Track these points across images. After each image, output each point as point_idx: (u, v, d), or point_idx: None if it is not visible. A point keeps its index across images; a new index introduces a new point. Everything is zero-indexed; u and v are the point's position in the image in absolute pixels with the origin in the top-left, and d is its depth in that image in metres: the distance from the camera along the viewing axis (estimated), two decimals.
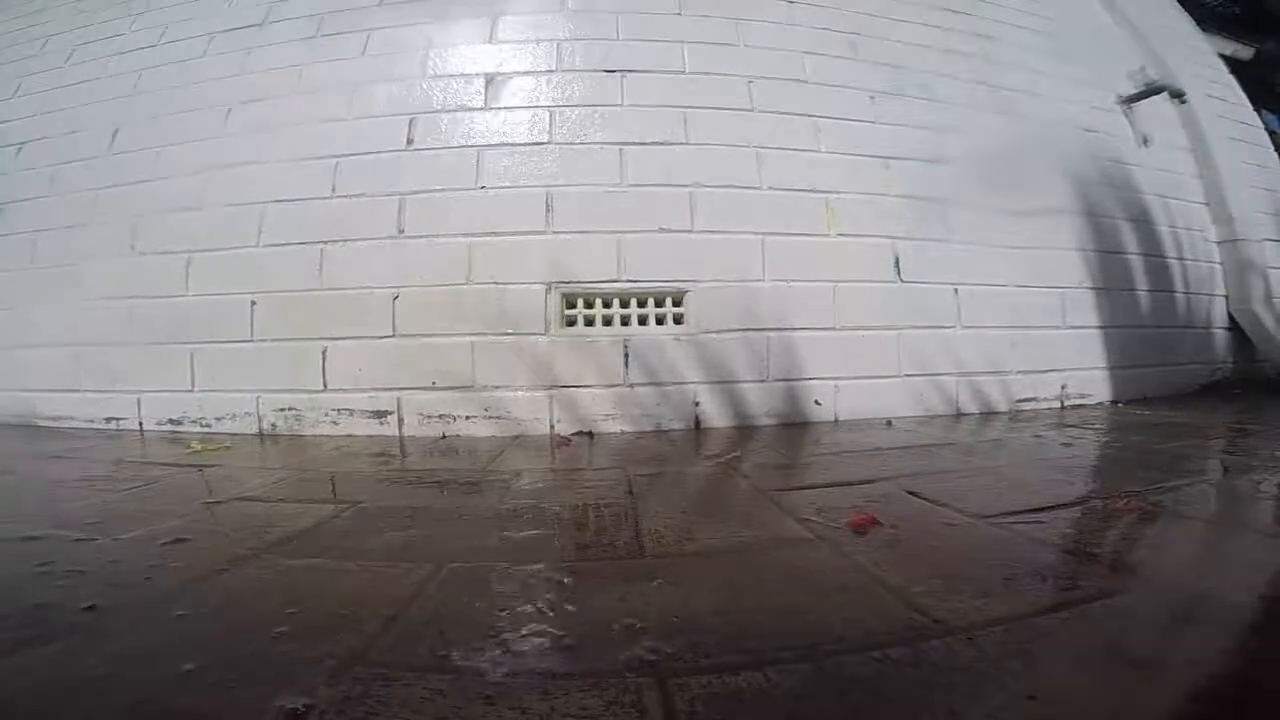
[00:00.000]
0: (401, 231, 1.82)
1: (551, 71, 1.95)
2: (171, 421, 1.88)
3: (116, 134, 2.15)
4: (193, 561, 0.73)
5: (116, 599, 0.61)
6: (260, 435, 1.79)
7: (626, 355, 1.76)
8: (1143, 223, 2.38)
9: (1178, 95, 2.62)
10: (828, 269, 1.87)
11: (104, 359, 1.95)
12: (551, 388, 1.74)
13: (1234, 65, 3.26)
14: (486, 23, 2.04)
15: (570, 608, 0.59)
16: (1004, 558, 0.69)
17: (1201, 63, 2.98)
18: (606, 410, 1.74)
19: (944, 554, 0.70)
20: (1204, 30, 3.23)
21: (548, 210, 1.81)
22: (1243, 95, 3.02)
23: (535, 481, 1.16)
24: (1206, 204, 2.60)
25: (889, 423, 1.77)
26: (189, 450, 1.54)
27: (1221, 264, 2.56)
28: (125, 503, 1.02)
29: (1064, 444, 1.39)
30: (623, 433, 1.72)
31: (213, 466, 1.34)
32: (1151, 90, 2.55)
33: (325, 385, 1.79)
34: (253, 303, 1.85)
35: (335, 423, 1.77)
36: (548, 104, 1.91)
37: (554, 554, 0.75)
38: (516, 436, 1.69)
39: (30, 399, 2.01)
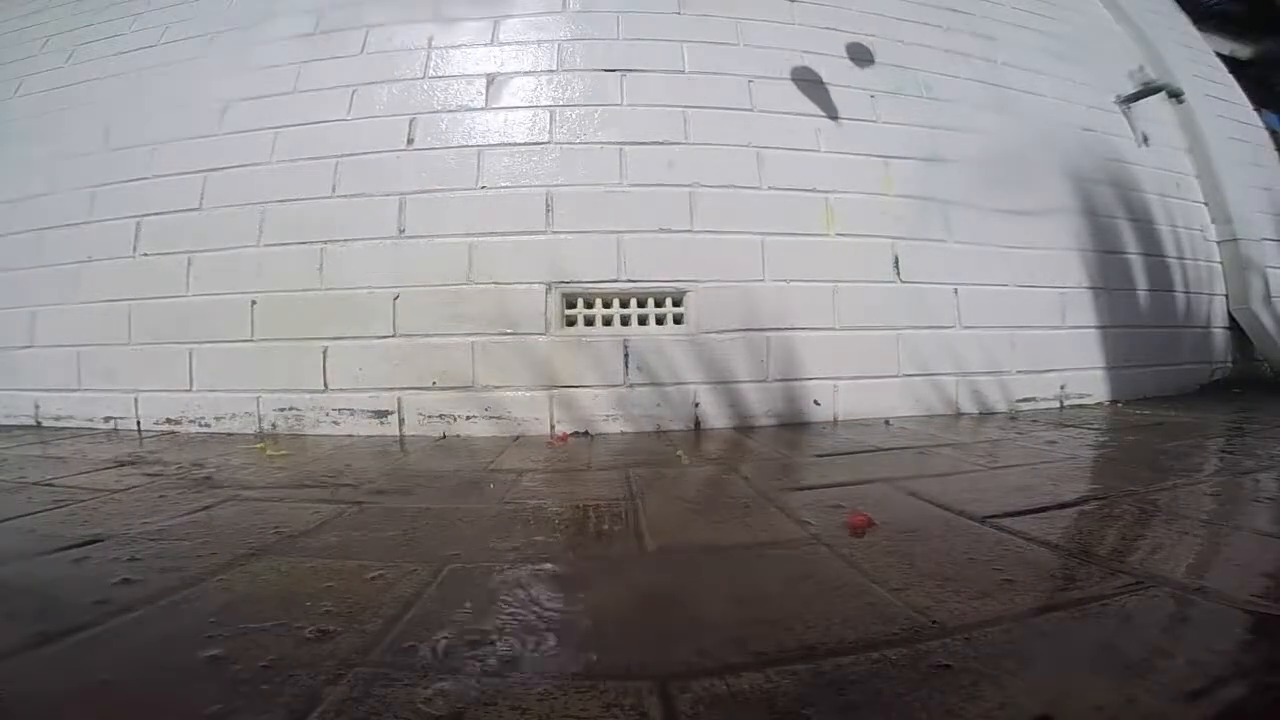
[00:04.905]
0: (402, 231, 1.82)
1: (552, 71, 1.95)
2: (169, 421, 1.88)
3: (116, 133, 2.15)
4: None
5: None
6: (260, 435, 1.79)
7: (626, 355, 1.76)
8: (1142, 222, 2.38)
9: (1175, 95, 2.62)
10: (827, 269, 1.87)
11: (103, 358, 1.95)
12: (551, 388, 1.74)
13: (1233, 64, 3.26)
14: (488, 23, 2.04)
15: (569, 609, 0.60)
16: (1003, 558, 0.69)
17: (1200, 62, 2.98)
18: (607, 410, 1.74)
19: (943, 554, 0.71)
20: (1203, 29, 3.23)
21: (548, 210, 1.81)
22: (1242, 95, 3.02)
23: (535, 482, 1.16)
24: (1206, 203, 2.60)
25: (888, 422, 1.77)
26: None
27: (1221, 263, 2.57)
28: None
29: (1063, 444, 1.39)
30: (623, 433, 1.72)
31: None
32: (1150, 90, 2.55)
33: (326, 385, 1.79)
34: (253, 302, 1.85)
35: (336, 423, 1.77)
36: (548, 103, 1.91)
37: (553, 555, 0.75)
38: (517, 436, 1.69)
39: (32, 398, 2.01)
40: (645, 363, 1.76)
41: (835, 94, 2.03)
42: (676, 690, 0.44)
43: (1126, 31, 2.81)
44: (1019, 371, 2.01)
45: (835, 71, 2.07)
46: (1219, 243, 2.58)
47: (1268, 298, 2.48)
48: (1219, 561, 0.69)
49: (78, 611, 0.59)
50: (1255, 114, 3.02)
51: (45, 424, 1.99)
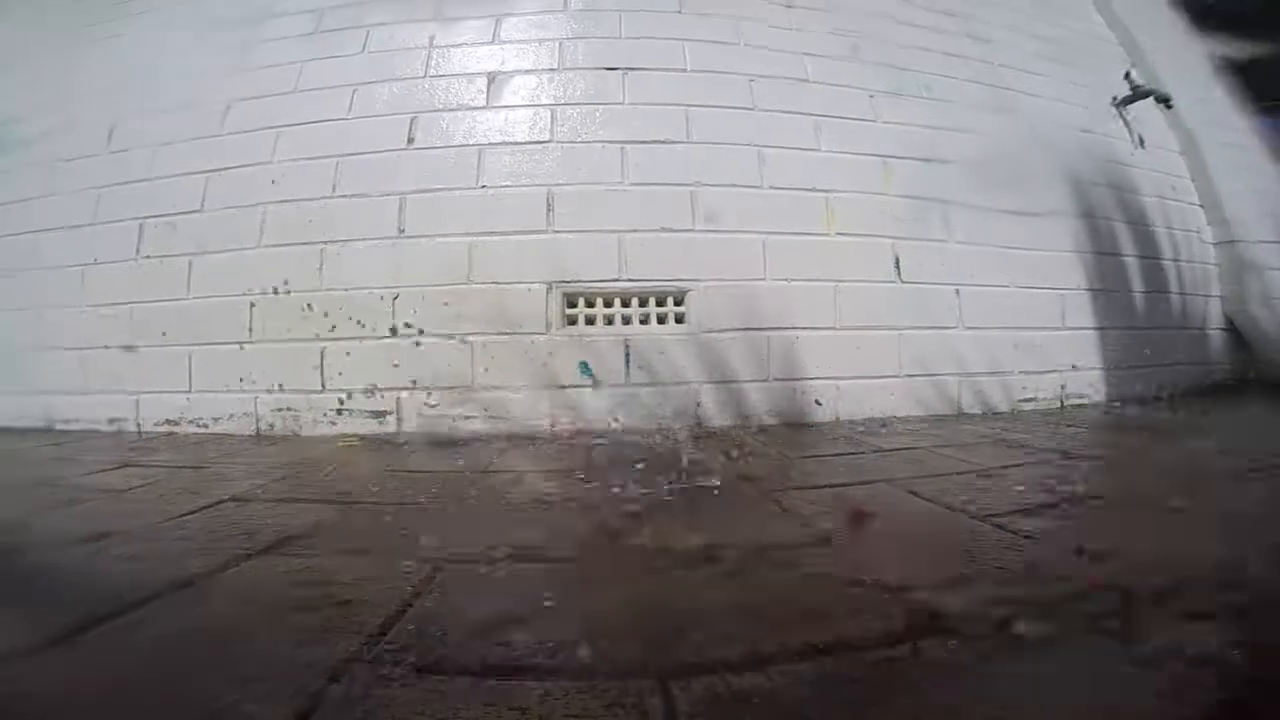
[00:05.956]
0: (402, 231, 1.82)
1: (554, 70, 1.95)
2: (169, 422, 1.87)
3: (115, 134, 2.14)
4: None
5: None
6: (258, 435, 1.78)
7: (627, 355, 1.76)
8: (1140, 224, 2.38)
9: (1164, 100, 2.61)
10: (828, 268, 1.87)
11: (107, 361, 1.94)
12: (552, 387, 1.73)
13: (1235, 64, 3.26)
14: (489, 21, 2.04)
15: (570, 608, 0.59)
16: (1004, 557, 0.69)
17: (1195, 65, 2.98)
18: (608, 410, 1.74)
19: (945, 554, 0.70)
20: (1203, 30, 3.23)
21: (549, 209, 1.81)
22: (1238, 97, 3.02)
23: (535, 482, 1.16)
24: (1201, 205, 2.61)
25: (890, 423, 1.77)
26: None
27: (1218, 265, 2.57)
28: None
29: (1063, 444, 1.39)
30: (624, 432, 1.72)
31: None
32: (1141, 94, 2.56)
33: (324, 385, 1.78)
34: (252, 304, 1.85)
35: (334, 423, 1.76)
36: (549, 102, 1.91)
37: (554, 554, 0.75)
38: (517, 436, 1.69)
39: (43, 401, 1.99)
40: (646, 362, 1.76)
41: (835, 94, 2.04)
42: (677, 689, 0.44)
43: (1117, 36, 2.82)
44: (1020, 372, 2.01)
45: (835, 72, 2.07)
46: (1215, 245, 2.58)
47: (1265, 299, 2.48)
48: (1218, 562, 0.69)
49: (88, 606, 0.58)
50: (1252, 116, 3.02)
51: (56, 426, 1.97)
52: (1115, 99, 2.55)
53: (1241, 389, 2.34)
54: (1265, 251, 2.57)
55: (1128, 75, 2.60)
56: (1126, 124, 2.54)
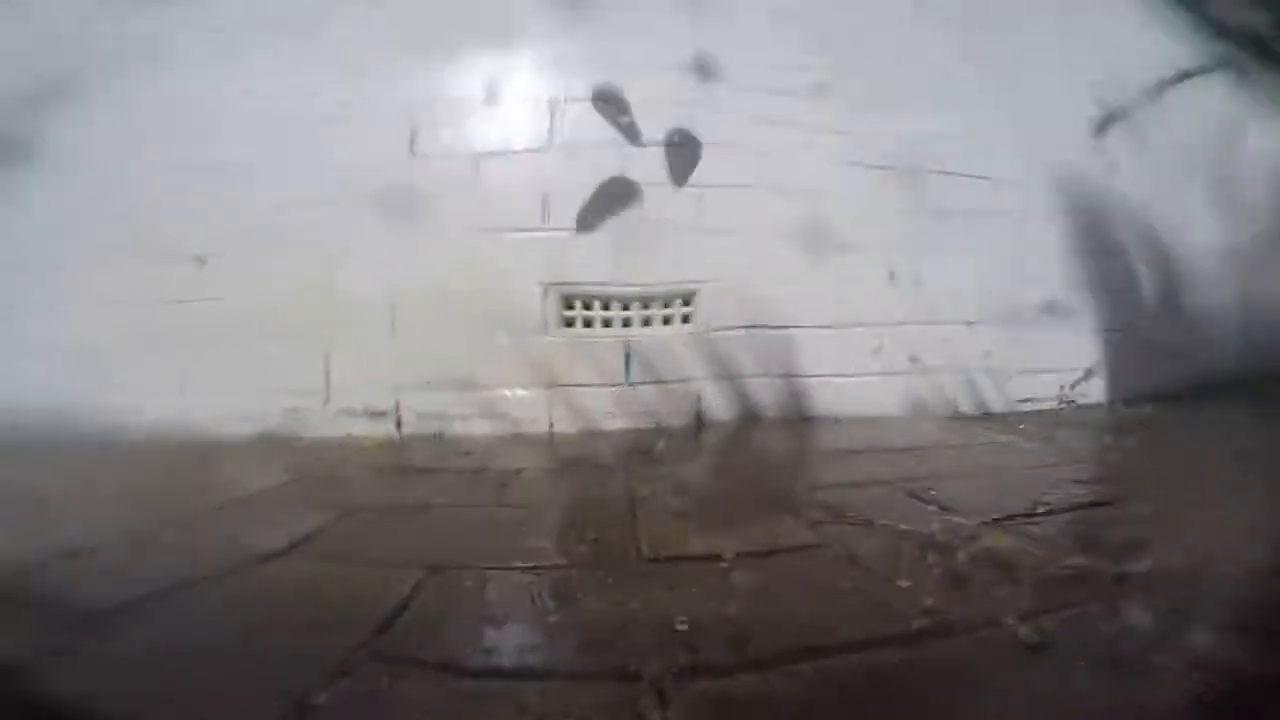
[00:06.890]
0: (401, 231, 1.82)
1: (553, 71, 1.95)
2: (170, 422, 1.87)
3: (113, 132, 2.14)
4: None
5: None
6: (261, 436, 1.78)
7: (626, 354, 1.76)
8: (1143, 221, 2.37)
9: (1171, 88, 2.60)
10: (829, 268, 1.87)
11: (102, 360, 1.95)
12: (551, 387, 1.74)
13: (1228, 62, 3.24)
14: (488, 23, 2.04)
15: (568, 609, 0.60)
16: (1004, 560, 0.69)
17: (1195, 57, 2.97)
18: (606, 409, 1.74)
19: (944, 556, 0.71)
20: (1200, 27, 3.21)
21: (547, 210, 1.81)
22: (1237, 93, 3.00)
23: (534, 482, 1.16)
24: (1208, 200, 2.60)
25: (888, 422, 1.77)
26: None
27: (1224, 262, 2.56)
28: None
29: (1063, 445, 1.39)
30: (623, 432, 1.72)
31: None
32: (1150, 87, 2.54)
33: (325, 386, 1.79)
34: (254, 304, 1.85)
35: (335, 423, 1.77)
36: (548, 102, 1.91)
37: (553, 556, 0.75)
38: (517, 436, 1.69)
39: (28, 400, 1.99)
40: (645, 361, 1.77)
41: (834, 96, 2.03)
42: (675, 689, 0.44)
43: (1130, 29, 2.80)
44: (1019, 371, 2.01)
45: (835, 74, 2.06)
46: (1222, 240, 2.57)
47: (1272, 296, 2.47)
48: (1221, 563, 0.69)
49: (74, 615, 0.58)
50: (1251, 111, 3.00)
51: (43, 427, 1.97)
52: (1123, 93, 2.53)
53: (1248, 388, 2.32)
54: (1272, 247, 2.56)
55: (1137, 67, 2.59)
56: (1131, 120, 2.52)
